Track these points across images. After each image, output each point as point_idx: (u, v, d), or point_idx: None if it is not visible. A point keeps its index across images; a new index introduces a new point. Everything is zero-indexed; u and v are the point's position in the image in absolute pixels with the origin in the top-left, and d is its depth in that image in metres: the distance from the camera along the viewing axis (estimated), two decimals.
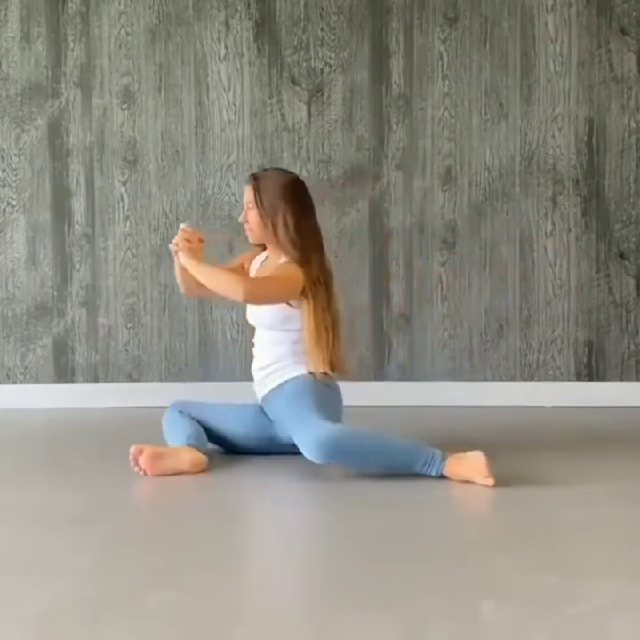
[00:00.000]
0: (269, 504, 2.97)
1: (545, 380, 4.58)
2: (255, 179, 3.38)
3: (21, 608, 2.07)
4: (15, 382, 4.65)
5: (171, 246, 3.35)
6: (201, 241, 3.34)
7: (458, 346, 4.60)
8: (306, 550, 2.49)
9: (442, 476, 3.05)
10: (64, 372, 4.64)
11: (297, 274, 3.27)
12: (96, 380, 4.64)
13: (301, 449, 3.11)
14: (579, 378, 4.58)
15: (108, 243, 4.60)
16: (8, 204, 4.62)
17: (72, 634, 1.94)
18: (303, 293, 3.27)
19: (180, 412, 3.45)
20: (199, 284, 3.38)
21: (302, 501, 2.96)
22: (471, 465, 3.01)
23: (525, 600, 2.06)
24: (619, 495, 2.93)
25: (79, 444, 3.80)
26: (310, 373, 3.29)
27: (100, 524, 2.68)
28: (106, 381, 4.63)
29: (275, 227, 3.32)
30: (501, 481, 2.97)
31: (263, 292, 3.28)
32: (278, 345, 3.35)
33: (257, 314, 3.40)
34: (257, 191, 3.34)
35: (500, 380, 4.59)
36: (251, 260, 3.53)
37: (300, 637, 1.91)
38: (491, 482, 2.96)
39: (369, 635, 1.89)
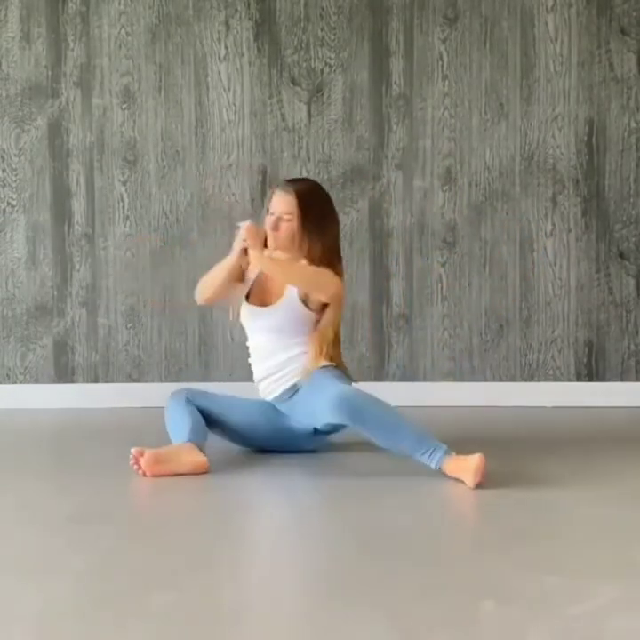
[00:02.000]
0: (269, 504, 2.97)
1: (545, 380, 4.57)
2: (297, 191, 3.24)
3: (21, 608, 2.07)
4: (15, 382, 4.65)
5: (235, 245, 3.26)
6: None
7: (458, 346, 4.60)
8: (306, 550, 2.49)
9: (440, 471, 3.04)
10: (64, 372, 4.64)
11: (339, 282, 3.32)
12: (96, 380, 4.63)
13: (325, 409, 3.10)
14: (579, 378, 4.57)
15: (107, 243, 4.60)
16: (8, 204, 4.61)
17: (72, 634, 1.94)
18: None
19: (188, 400, 3.35)
20: (225, 289, 3.34)
21: (302, 501, 2.96)
22: (466, 466, 2.97)
23: (525, 600, 2.06)
24: (619, 495, 2.93)
25: (79, 444, 3.80)
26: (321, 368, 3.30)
27: (99, 524, 2.68)
28: (106, 381, 4.63)
29: (312, 246, 3.24)
30: (501, 481, 2.97)
31: (341, 290, 3.34)
32: (283, 351, 3.33)
33: (268, 315, 3.34)
34: (302, 209, 3.22)
35: (500, 380, 4.59)
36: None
37: (299, 638, 1.91)
38: (472, 483, 2.93)
39: (369, 635, 1.89)
